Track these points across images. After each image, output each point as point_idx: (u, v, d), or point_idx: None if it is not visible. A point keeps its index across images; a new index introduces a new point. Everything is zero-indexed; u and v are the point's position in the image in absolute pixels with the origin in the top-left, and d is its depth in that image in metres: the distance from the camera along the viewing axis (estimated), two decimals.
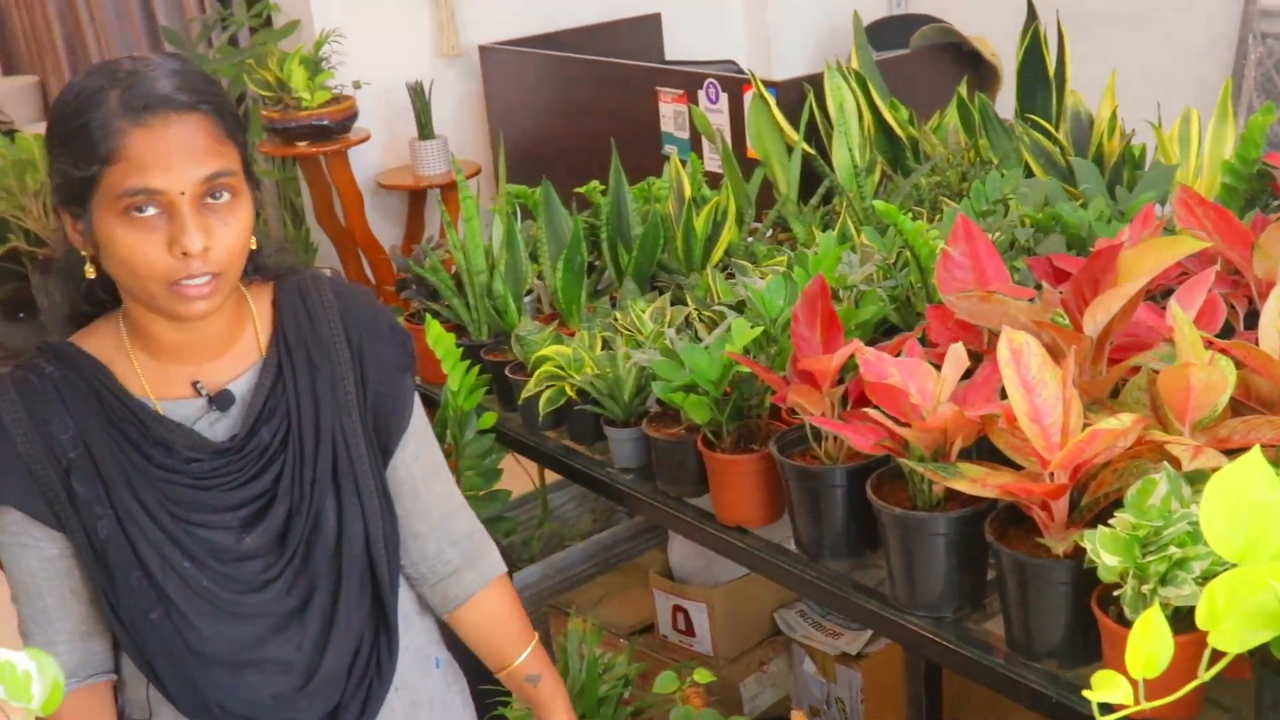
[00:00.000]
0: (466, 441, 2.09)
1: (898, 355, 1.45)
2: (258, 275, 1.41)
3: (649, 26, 4.74)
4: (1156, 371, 1.34)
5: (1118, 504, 1.23)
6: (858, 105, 2.55)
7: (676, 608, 2.39)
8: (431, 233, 4.45)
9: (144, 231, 1.25)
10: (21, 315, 5.08)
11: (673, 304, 1.99)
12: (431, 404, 1.85)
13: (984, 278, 1.59)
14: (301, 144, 4.15)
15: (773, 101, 2.59)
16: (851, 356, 1.47)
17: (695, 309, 1.96)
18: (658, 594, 2.42)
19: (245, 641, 1.37)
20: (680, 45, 4.79)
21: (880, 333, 1.83)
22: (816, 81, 2.67)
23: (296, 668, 1.39)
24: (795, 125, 2.55)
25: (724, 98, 3.46)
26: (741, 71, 3.80)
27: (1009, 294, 1.52)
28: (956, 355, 1.39)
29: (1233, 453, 1.12)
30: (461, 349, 2.06)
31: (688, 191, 2.28)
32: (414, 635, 1.53)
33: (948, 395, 1.37)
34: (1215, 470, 1.03)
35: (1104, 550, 1.17)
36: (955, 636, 1.41)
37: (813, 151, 2.53)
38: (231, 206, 1.29)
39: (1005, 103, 2.75)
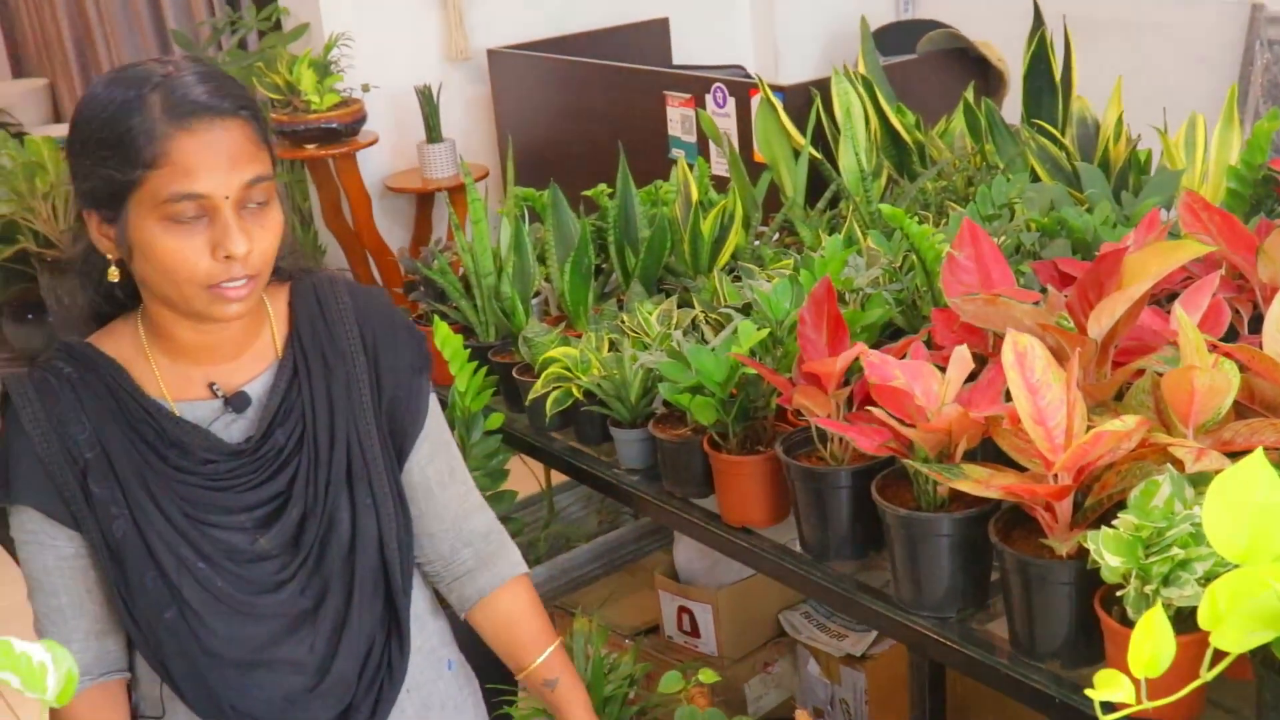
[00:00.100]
0: (474, 442, 2.10)
1: (903, 358, 1.46)
2: (274, 277, 1.43)
3: (656, 31, 4.76)
4: (1160, 375, 1.34)
5: (1121, 505, 1.24)
6: (864, 110, 2.56)
7: (682, 609, 2.40)
8: (439, 235, 4.46)
9: (186, 236, 1.26)
10: (30, 316, 5.10)
11: (679, 306, 2.01)
12: (439, 405, 1.85)
13: (989, 281, 1.60)
14: (310, 147, 4.17)
15: (780, 106, 2.60)
16: (857, 359, 1.48)
17: (702, 311, 1.98)
18: (663, 595, 2.43)
19: (258, 642, 1.38)
20: (688, 50, 4.80)
21: (886, 336, 1.84)
22: (823, 86, 2.68)
23: (308, 668, 1.40)
24: (802, 130, 2.55)
25: (731, 102, 3.47)
26: (749, 76, 3.81)
27: (1014, 297, 1.53)
28: (961, 357, 1.39)
29: (1236, 455, 1.13)
30: (469, 350, 2.07)
31: (695, 195, 2.29)
32: (426, 636, 1.54)
33: (952, 397, 1.38)
34: (1218, 472, 1.04)
35: (1107, 551, 1.18)
36: (959, 637, 1.42)
37: (819, 156, 2.54)
38: (267, 210, 1.31)
39: (1012, 108, 2.76)
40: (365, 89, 4.24)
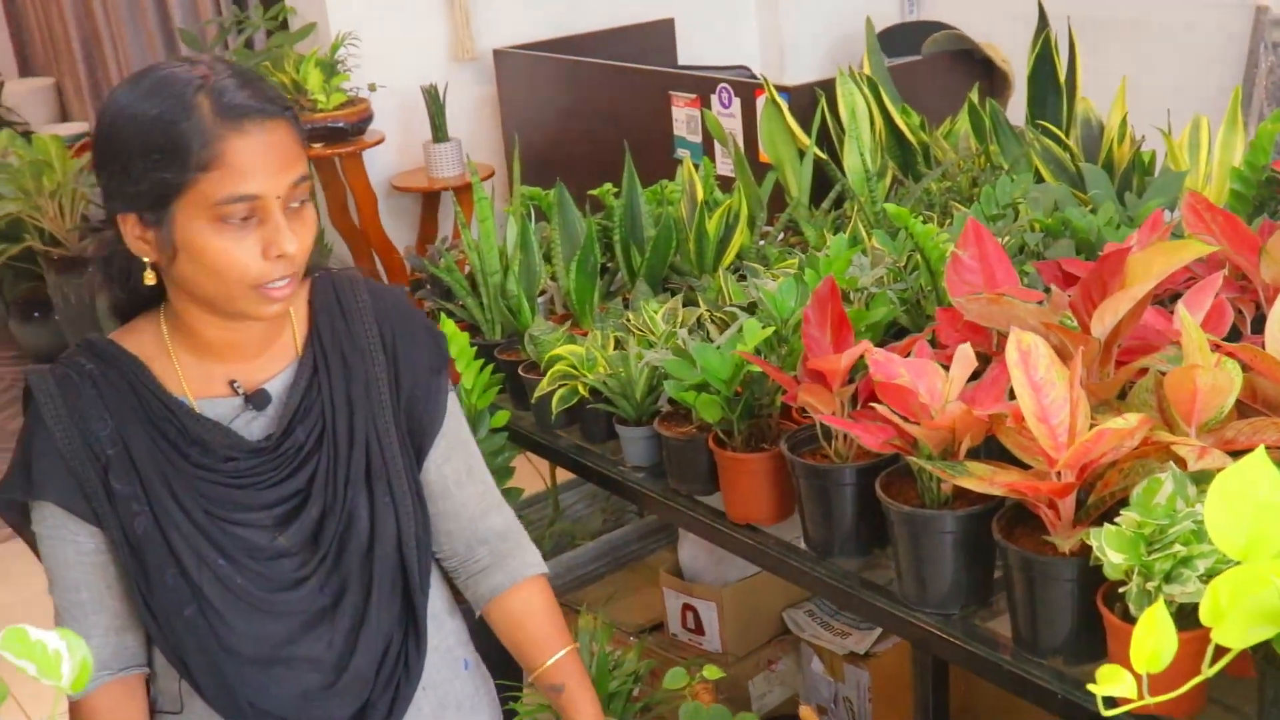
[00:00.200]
0: (479, 440, 2.11)
1: (907, 356, 1.46)
2: None
3: (662, 31, 4.77)
4: (1163, 374, 1.35)
5: (1123, 503, 1.25)
6: (869, 110, 2.57)
7: (686, 606, 2.41)
8: (445, 234, 4.47)
9: (237, 237, 1.27)
10: (36, 314, 5.11)
11: (684, 305, 2.02)
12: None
13: (993, 281, 1.60)
14: (317, 146, 4.18)
15: (785, 106, 2.61)
16: (861, 357, 1.49)
17: (707, 310, 1.99)
18: (667, 592, 2.44)
19: (277, 639, 1.38)
20: (693, 51, 4.81)
21: (890, 335, 1.85)
22: (829, 87, 2.69)
23: (326, 665, 1.41)
24: (807, 130, 2.56)
25: (737, 102, 3.48)
26: (754, 77, 3.82)
27: (1018, 296, 1.54)
28: (964, 355, 1.40)
29: (1238, 454, 1.14)
30: (475, 348, 2.08)
31: (700, 194, 2.30)
32: (444, 636, 1.54)
33: (956, 395, 1.39)
34: (1220, 471, 1.05)
35: (1110, 548, 1.19)
36: (963, 633, 1.42)
37: (824, 156, 2.55)
38: (306, 208, 1.32)
39: (1016, 109, 2.76)
40: (372, 88, 4.26)
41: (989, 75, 3.52)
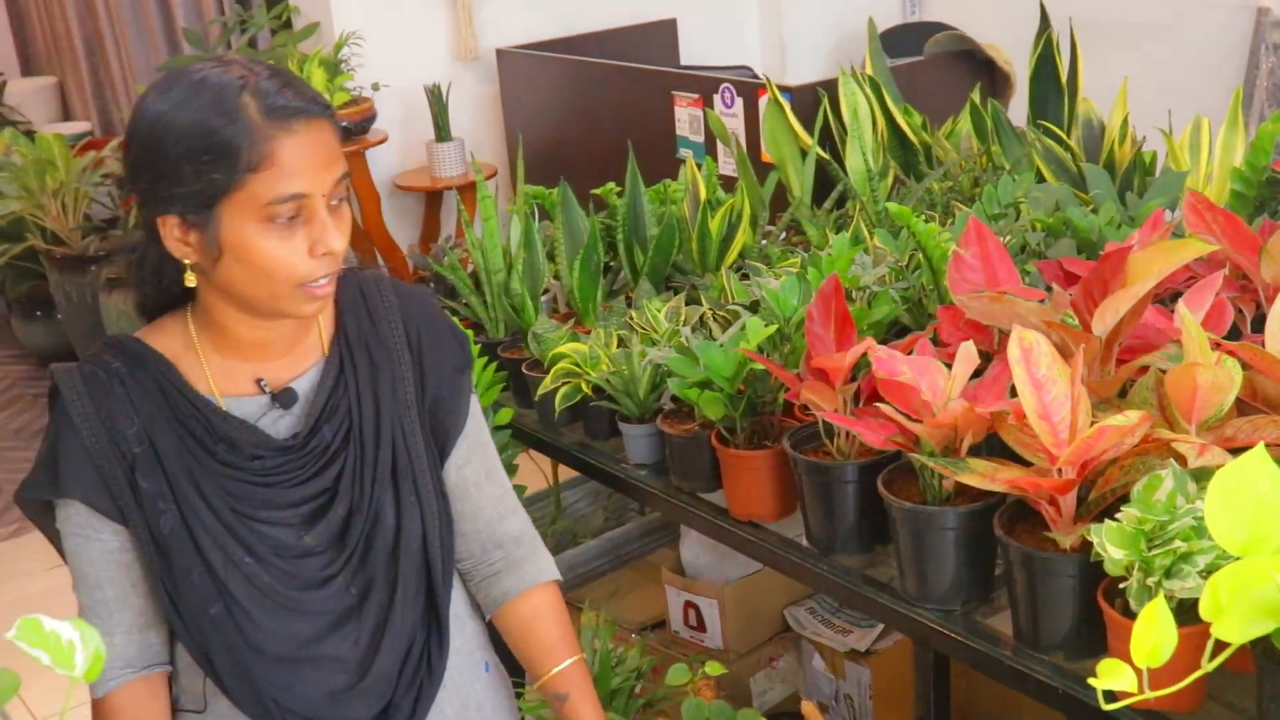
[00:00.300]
0: None
1: (909, 354, 1.47)
2: None
3: (664, 32, 4.78)
4: (1164, 371, 1.36)
5: (1124, 499, 1.25)
6: (871, 111, 2.58)
7: (688, 603, 2.42)
8: (448, 233, 4.48)
9: (285, 236, 1.27)
10: (39, 313, 5.11)
11: (687, 304, 2.02)
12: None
13: (995, 279, 1.61)
14: None
15: (787, 106, 2.62)
16: (864, 355, 1.50)
17: (710, 309, 1.99)
18: (669, 590, 2.45)
19: (303, 638, 1.39)
20: (695, 51, 4.82)
21: (892, 333, 1.86)
22: (831, 87, 2.70)
23: (351, 665, 1.41)
24: (809, 130, 2.58)
25: (739, 102, 3.49)
26: (756, 77, 3.83)
27: (1020, 295, 1.55)
28: (967, 353, 1.41)
29: (1238, 451, 1.15)
30: (479, 346, 2.09)
31: (703, 194, 2.31)
32: (466, 637, 1.54)
33: (958, 392, 1.40)
34: (1220, 468, 1.06)
35: (1110, 544, 1.20)
36: (964, 629, 1.43)
37: (826, 156, 2.56)
38: (344, 206, 1.33)
39: (1018, 109, 2.77)
40: (375, 88, 4.27)
41: (991, 76, 3.53)
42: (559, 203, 2.30)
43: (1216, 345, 1.34)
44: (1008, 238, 1.94)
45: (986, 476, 1.32)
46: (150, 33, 6.17)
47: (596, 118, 4.12)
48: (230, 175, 1.24)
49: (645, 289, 2.20)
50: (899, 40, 4.49)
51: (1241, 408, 1.36)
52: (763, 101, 2.78)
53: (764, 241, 2.34)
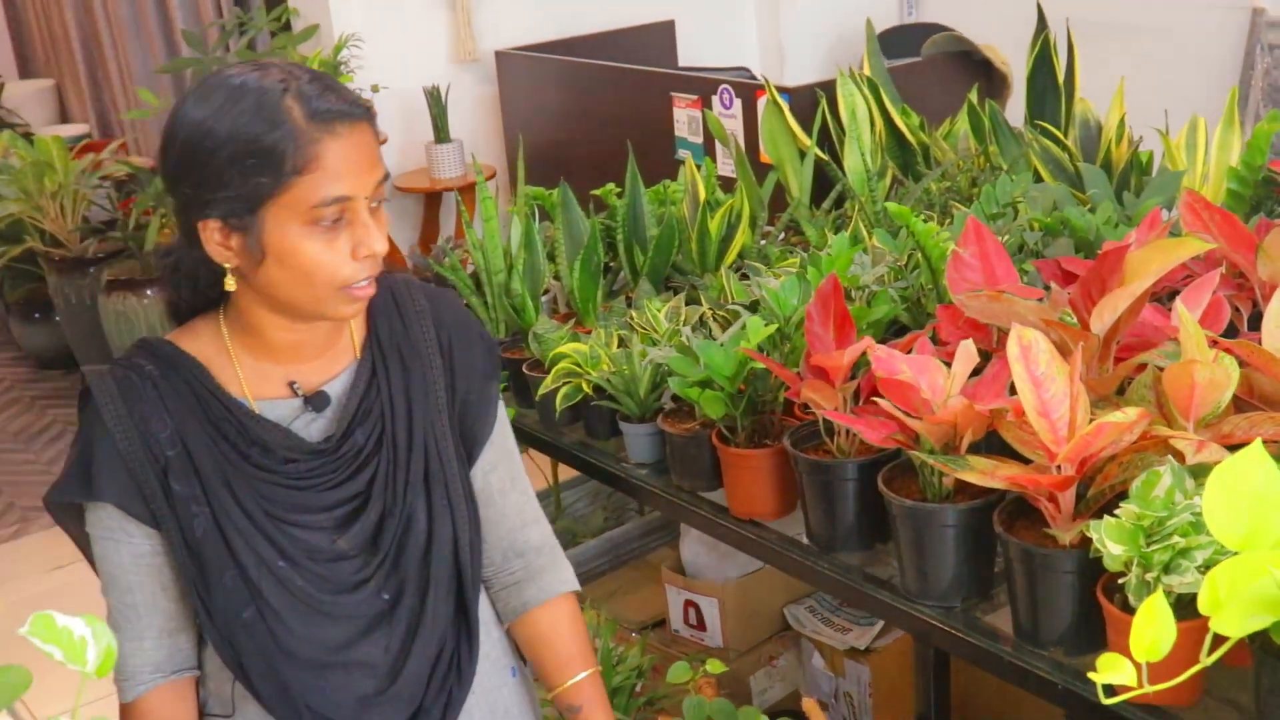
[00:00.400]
0: None
1: (909, 352, 1.48)
2: None
3: (662, 33, 4.79)
4: (1162, 369, 1.37)
5: (1123, 496, 1.26)
6: (870, 111, 2.59)
7: (688, 602, 2.42)
8: (447, 234, 4.49)
9: (329, 239, 1.28)
10: (37, 315, 5.12)
11: (687, 304, 2.03)
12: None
13: (994, 278, 1.62)
14: None
15: (786, 107, 2.63)
16: (863, 353, 1.51)
17: (709, 309, 2.00)
18: (670, 589, 2.46)
19: (335, 643, 1.38)
20: (693, 52, 4.84)
21: (891, 333, 1.87)
22: (829, 88, 2.71)
23: (381, 670, 1.40)
24: (808, 131, 2.58)
25: (738, 103, 3.50)
26: (754, 78, 3.84)
27: (1018, 294, 1.55)
28: (966, 351, 1.42)
29: (1235, 448, 1.16)
30: None
31: (702, 194, 2.32)
32: (493, 643, 1.54)
33: (958, 390, 1.41)
34: (1218, 464, 1.07)
35: (1109, 540, 1.21)
36: (964, 625, 1.44)
37: (825, 156, 2.57)
38: (382, 208, 1.33)
39: (1015, 110, 2.78)
40: (374, 90, 4.28)
41: (988, 76, 3.54)
42: (559, 203, 2.31)
43: (1214, 343, 1.35)
44: (1006, 237, 1.95)
45: (986, 474, 1.33)
46: (148, 35, 6.18)
47: (595, 119, 4.13)
48: (276, 179, 1.25)
49: (645, 289, 2.21)
50: (896, 41, 4.50)
51: (1238, 405, 1.37)
52: (761, 102, 2.79)
53: (763, 242, 2.35)
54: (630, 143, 2.47)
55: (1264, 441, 1.09)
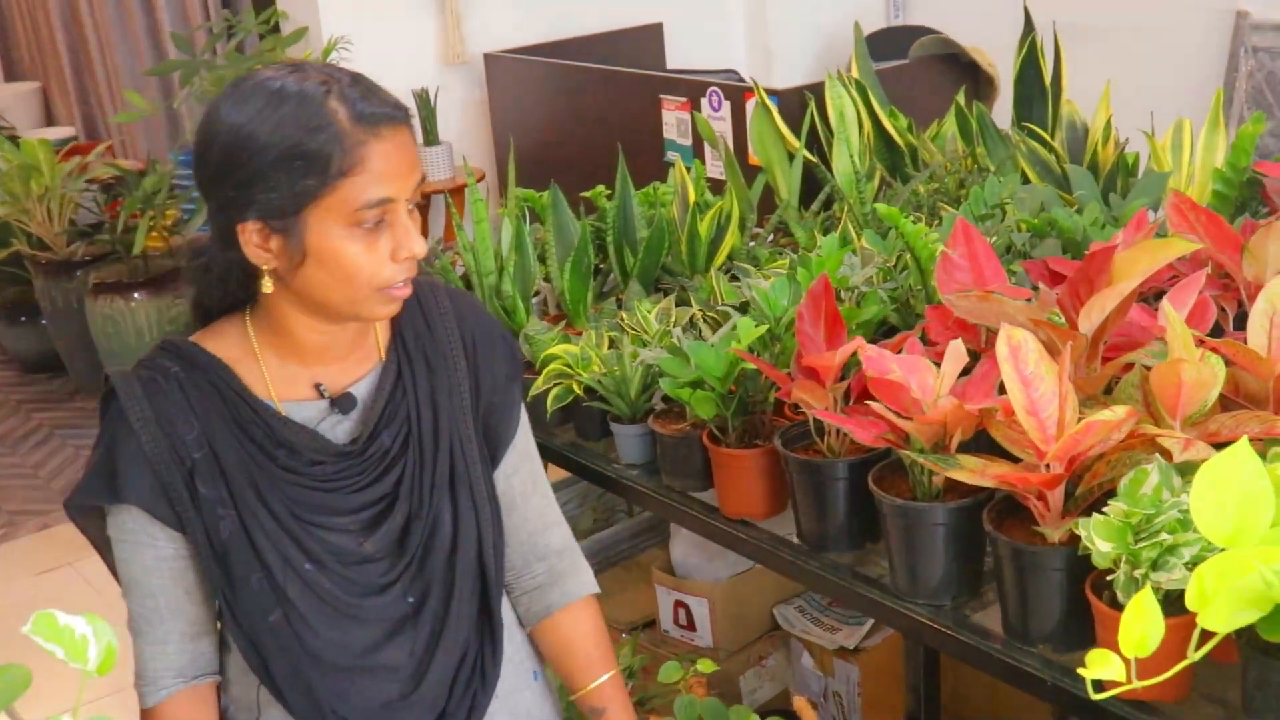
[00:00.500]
0: None
1: (899, 353, 1.49)
2: None
3: (651, 36, 4.80)
4: (1149, 368, 1.39)
5: (1111, 494, 1.28)
6: (858, 114, 2.60)
7: (678, 603, 2.43)
8: (437, 236, 4.50)
9: (371, 241, 1.28)
10: (24, 319, 5.10)
11: (677, 305, 2.04)
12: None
13: (982, 279, 1.64)
14: None
15: (774, 109, 2.64)
16: (854, 354, 1.52)
17: (699, 310, 2.01)
18: (660, 589, 2.46)
19: (360, 646, 1.38)
20: (681, 55, 4.84)
21: (880, 333, 1.88)
22: (817, 90, 2.72)
23: (405, 673, 1.40)
24: (796, 133, 2.60)
25: (726, 106, 3.51)
26: (742, 81, 3.85)
27: (1007, 294, 1.57)
28: (956, 351, 1.44)
29: (1221, 446, 1.17)
30: None
31: (692, 196, 2.33)
32: (515, 646, 1.54)
33: (947, 389, 1.42)
34: (1204, 462, 1.08)
35: (1098, 537, 1.22)
36: (954, 623, 1.45)
37: (814, 158, 2.58)
38: (416, 211, 1.34)
39: (1002, 112, 2.80)
40: None
41: (975, 79, 3.56)
42: (550, 205, 2.32)
43: (1200, 342, 1.36)
44: (994, 238, 1.96)
45: (976, 472, 1.35)
46: (134, 38, 6.17)
47: (584, 121, 4.14)
48: (321, 181, 1.25)
49: (635, 290, 2.22)
50: (884, 44, 4.52)
51: (1225, 403, 1.38)
52: (750, 105, 2.80)
53: (752, 243, 2.36)
54: (620, 145, 2.48)
55: (1250, 439, 1.10)
